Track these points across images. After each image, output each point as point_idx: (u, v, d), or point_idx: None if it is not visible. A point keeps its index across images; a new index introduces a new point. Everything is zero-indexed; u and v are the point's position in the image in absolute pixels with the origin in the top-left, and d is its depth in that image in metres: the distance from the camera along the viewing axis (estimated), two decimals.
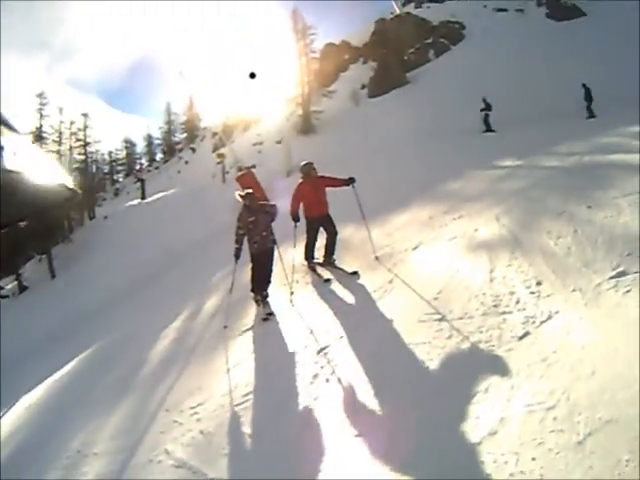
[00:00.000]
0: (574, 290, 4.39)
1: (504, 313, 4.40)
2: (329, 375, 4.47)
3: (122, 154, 51.67)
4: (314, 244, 7.30)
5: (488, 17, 32.85)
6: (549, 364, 3.51)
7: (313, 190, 7.00)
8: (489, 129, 18.80)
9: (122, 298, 13.54)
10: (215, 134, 37.81)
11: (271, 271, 6.76)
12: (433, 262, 6.18)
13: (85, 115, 40.46)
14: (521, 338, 3.96)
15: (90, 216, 28.21)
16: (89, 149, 40.82)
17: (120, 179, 50.11)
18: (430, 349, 4.25)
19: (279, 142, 24.91)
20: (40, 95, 37.79)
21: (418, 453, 3.13)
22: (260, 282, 6.69)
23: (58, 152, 37.27)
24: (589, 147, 10.41)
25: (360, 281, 6.47)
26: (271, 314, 6.36)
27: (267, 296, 6.71)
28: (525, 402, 3.21)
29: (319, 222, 7.12)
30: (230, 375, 5.22)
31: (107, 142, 56.82)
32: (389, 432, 3.43)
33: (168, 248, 16.45)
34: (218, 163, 25.24)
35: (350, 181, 7.05)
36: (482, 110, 19.10)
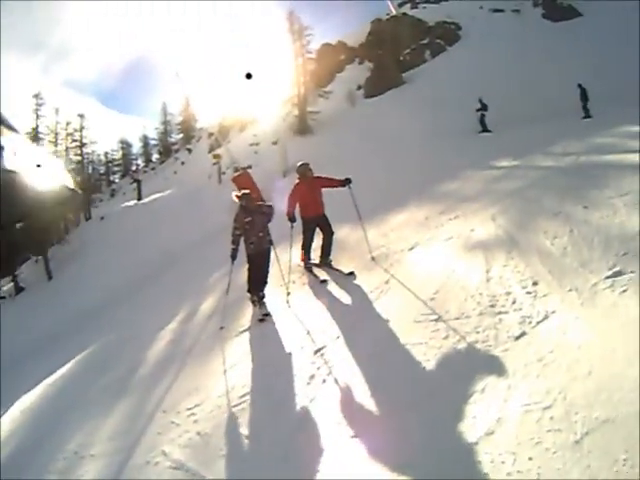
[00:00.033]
0: (570, 290, 4.39)
1: (500, 313, 4.40)
2: (326, 376, 4.47)
3: (118, 155, 51.74)
4: (310, 245, 7.30)
5: (484, 18, 32.94)
6: (545, 364, 3.51)
7: (309, 190, 7.01)
8: (485, 129, 18.85)
9: (119, 299, 13.49)
10: (211, 135, 37.83)
11: (267, 272, 6.76)
12: (429, 262, 6.18)
13: (81, 116, 40.64)
14: (517, 338, 3.95)
15: (86, 217, 28.05)
16: (85, 150, 41.00)
17: (116, 180, 50.09)
18: (426, 349, 4.25)
19: (275, 143, 24.85)
20: (36, 96, 37.75)
21: (415, 453, 3.13)
22: (256, 283, 6.69)
23: (54, 153, 37.19)
24: (585, 147, 10.44)
25: (356, 282, 6.48)
26: (267, 315, 6.35)
27: (264, 297, 6.70)
28: (522, 402, 3.21)
29: (315, 222, 7.12)
30: (227, 376, 5.21)
31: (103, 143, 56.89)
32: (386, 432, 3.43)
33: (164, 249, 16.41)
34: (214, 164, 25.22)
35: (346, 182, 7.06)
36: (478, 110, 19.17)
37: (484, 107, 19.07)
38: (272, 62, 34.56)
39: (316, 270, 7.26)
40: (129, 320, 10.31)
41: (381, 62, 29.02)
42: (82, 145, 40.45)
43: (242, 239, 6.51)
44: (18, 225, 18.43)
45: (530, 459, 2.78)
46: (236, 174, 18.95)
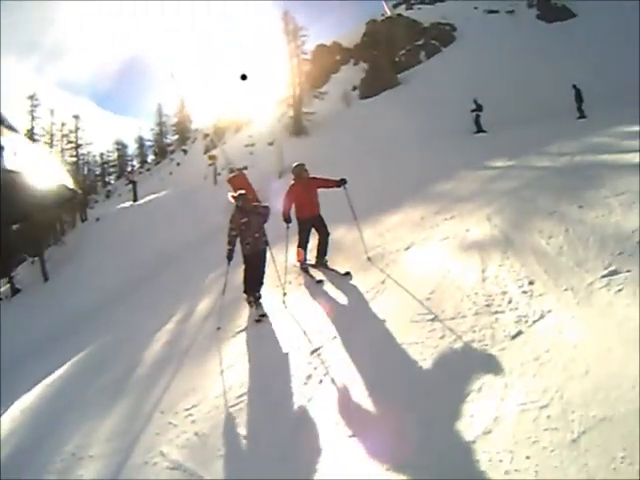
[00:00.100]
0: (566, 289, 4.41)
1: (496, 313, 4.41)
2: (322, 376, 4.48)
3: (113, 156, 51.54)
4: (306, 245, 7.31)
5: (479, 19, 32.90)
6: (542, 363, 3.52)
7: (305, 191, 7.02)
8: (480, 130, 18.89)
9: (115, 300, 13.49)
10: (207, 136, 37.71)
11: (263, 272, 6.76)
12: (425, 262, 6.19)
13: (76, 117, 40.44)
14: (514, 337, 3.97)
15: (82, 218, 28.02)
16: (80, 151, 40.88)
17: (112, 181, 49.93)
18: (423, 349, 4.25)
19: (271, 144, 24.87)
20: (31, 97, 37.54)
21: (413, 452, 3.13)
22: (253, 283, 6.69)
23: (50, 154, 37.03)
24: (580, 147, 10.47)
25: (352, 282, 6.48)
26: (264, 315, 6.35)
27: (260, 297, 6.70)
28: (519, 401, 3.22)
29: (311, 223, 7.13)
30: (224, 376, 5.21)
31: (98, 144, 56.53)
32: (383, 432, 3.43)
33: (160, 250, 16.42)
34: (210, 165, 25.20)
35: (342, 182, 7.06)
36: (473, 111, 19.20)
37: (479, 108, 19.10)
38: (267, 63, 34.63)
39: (312, 270, 7.27)
40: (126, 321, 10.31)
41: (376, 63, 28.97)
42: (77, 146, 40.29)
43: (238, 240, 6.51)
44: (14, 226, 18.35)
45: (527, 458, 2.79)
46: (232, 175, 18.89)
